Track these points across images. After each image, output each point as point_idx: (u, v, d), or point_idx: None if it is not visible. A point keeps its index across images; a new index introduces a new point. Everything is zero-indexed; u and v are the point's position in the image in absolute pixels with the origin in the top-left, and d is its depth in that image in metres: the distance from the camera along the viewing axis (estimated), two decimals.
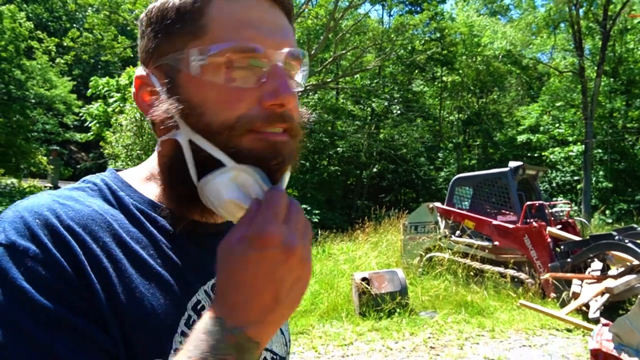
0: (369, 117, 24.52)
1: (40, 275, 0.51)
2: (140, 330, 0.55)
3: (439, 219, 8.68)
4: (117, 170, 0.70)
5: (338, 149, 22.11)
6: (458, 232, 8.31)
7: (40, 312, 0.50)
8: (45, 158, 17.22)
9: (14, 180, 13.52)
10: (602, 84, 19.52)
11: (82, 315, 0.51)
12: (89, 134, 18.45)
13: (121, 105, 14.06)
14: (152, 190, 0.66)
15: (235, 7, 0.59)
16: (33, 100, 16.54)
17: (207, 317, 0.51)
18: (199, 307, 0.61)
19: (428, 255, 8.52)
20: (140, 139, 10.70)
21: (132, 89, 0.65)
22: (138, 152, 10.58)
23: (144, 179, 0.68)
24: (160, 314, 0.57)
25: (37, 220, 0.53)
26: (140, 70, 0.64)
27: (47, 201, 0.57)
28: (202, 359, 0.48)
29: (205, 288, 0.64)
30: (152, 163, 0.69)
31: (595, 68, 18.75)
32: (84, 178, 0.66)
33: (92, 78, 19.60)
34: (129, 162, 10.62)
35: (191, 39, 0.59)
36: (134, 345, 0.54)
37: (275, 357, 0.71)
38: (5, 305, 0.49)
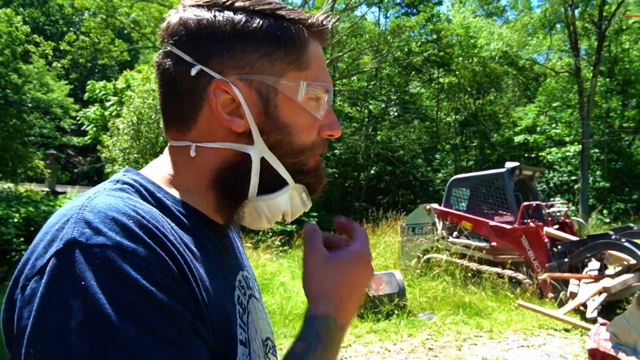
0: (366, 119, 24.54)
1: (154, 275, 0.50)
2: (220, 325, 0.59)
3: (436, 220, 8.69)
4: (137, 170, 0.70)
5: (335, 151, 22.12)
6: (455, 233, 8.32)
7: (166, 311, 0.50)
8: (42, 162, 17.18)
9: (11, 185, 13.47)
10: (598, 84, 19.61)
11: (192, 313, 0.53)
12: (86, 137, 18.43)
13: (118, 108, 14.04)
14: (178, 193, 0.67)
15: (319, 52, 0.70)
16: (30, 104, 16.51)
17: (320, 313, 0.64)
18: (239, 300, 0.68)
19: (426, 257, 8.52)
20: (137, 143, 10.69)
21: (210, 93, 0.64)
22: (135, 155, 10.57)
23: (167, 182, 0.67)
24: (227, 308, 0.62)
25: (130, 221, 0.52)
26: (204, 73, 0.64)
27: (121, 202, 0.55)
28: (325, 351, 0.61)
29: (237, 283, 0.70)
30: (167, 166, 0.69)
31: (591, 68, 18.84)
32: (112, 178, 0.65)
33: (89, 82, 19.59)
34: (126, 166, 10.61)
35: (293, 68, 0.66)
36: (218, 338, 0.58)
37: (274, 344, 0.80)
38: (134, 304, 0.48)
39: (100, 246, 0.49)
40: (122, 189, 0.61)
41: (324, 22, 0.69)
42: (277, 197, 0.66)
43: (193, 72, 0.63)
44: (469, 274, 7.74)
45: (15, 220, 9.26)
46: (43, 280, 0.48)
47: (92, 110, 17.07)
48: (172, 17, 0.66)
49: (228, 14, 0.63)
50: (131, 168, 0.68)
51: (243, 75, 0.63)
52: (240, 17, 0.63)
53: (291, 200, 0.68)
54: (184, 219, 0.63)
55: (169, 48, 0.66)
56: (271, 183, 0.66)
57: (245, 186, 0.65)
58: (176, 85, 0.65)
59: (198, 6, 0.65)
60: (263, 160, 0.65)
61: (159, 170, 0.68)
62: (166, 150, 0.70)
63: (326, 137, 0.71)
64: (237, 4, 0.64)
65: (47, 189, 16.40)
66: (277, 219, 0.70)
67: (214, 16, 0.63)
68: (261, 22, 0.64)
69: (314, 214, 16.05)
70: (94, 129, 16.62)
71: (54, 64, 19.98)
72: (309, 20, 0.67)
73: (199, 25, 0.63)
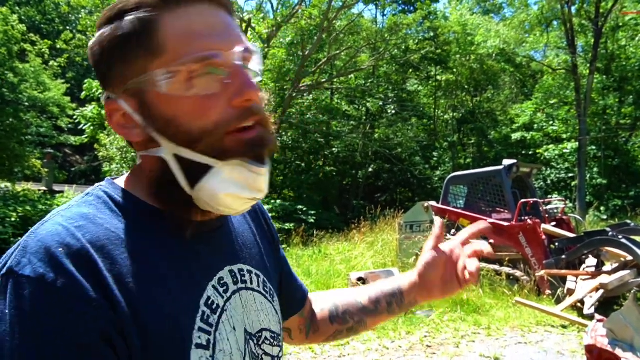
0: (364, 117, 24.54)
1: (69, 307, 0.54)
2: (161, 332, 0.60)
3: (434, 217, 8.70)
4: (114, 179, 0.72)
5: (333, 149, 22.12)
6: (453, 231, 8.33)
7: (70, 344, 0.54)
8: (39, 161, 17.14)
9: (8, 184, 13.44)
10: (595, 81, 19.64)
11: (106, 337, 0.56)
12: (83, 136, 18.37)
13: None
14: (149, 197, 0.69)
15: (185, 20, 0.62)
16: (27, 104, 16.44)
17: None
18: (209, 302, 0.67)
19: None
20: None
21: (105, 116, 0.68)
22: (133, 154, 10.56)
23: (137, 187, 0.69)
24: (178, 315, 0.62)
25: (60, 249, 0.56)
26: (105, 98, 0.67)
27: (64, 227, 0.59)
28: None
29: (213, 284, 0.69)
30: (140, 174, 0.71)
31: (588, 65, 18.86)
32: (86, 191, 0.69)
33: (85, 80, 19.50)
34: (124, 165, 10.60)
35: (151, 59, 0.62)
36: (155, 344, 0.59)
37: (274, 334, 0.79)
38: (40, 339, 0.53)
39: (27, 277, 0.54)
40: (88, 203, 0.65)
41: None
42: (205, 182, 0.63)
43: (102, 100, 0.68)
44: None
45: (13, 219, 9.25)
46: None
47: (89, 109, 17.01)
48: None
49: (95, 36, 0.66)
50: (110, 178, 0.72)
51: (121, 87, 0.64)
52: (99, 35, 0.65)
53: (231, 176, 0.63)
54: (148, 226, 0.66)
55: None
56: (196, 172, 0.63)
57: (176, 185, 0.64)
58: None
59: (100, 25, 0.67)
60: (178, 156, 0.64)
61: (132, 179, 0.71)
62: None
63: (241, 105, 0.63)
64: (102, 20, 0.65)
65: (44, 188, 16.35)
66: (228, 202, 0.65)
67: (93, 42, 0.66)
68: (107, 30, 0.64)
69: (312, 212, 16.04)
70: (91, 127, 16.57)
71: (51, 63, 19.91)
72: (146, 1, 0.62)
73: (90, 54, 0.67)
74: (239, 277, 0.74)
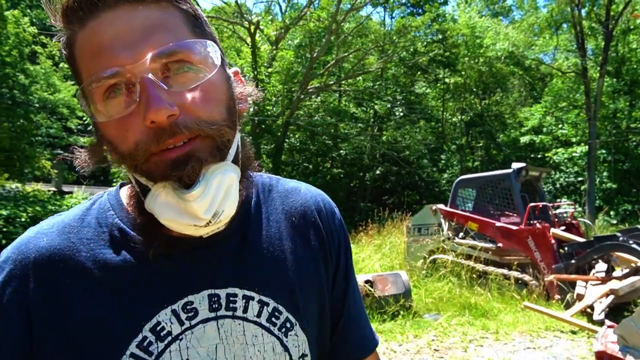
0: (372, 120, 24.52)
1: None
2: (81, 354, 0.58)
3: (442, 220, 8.66)
4: (122, 185, 0.72)
5: (341, 151, 22.12)
6: (461, 234, 8.29)
7: None
8: (49, 162, 17.29)
9: (18, 185, 13.56)
10: (605, 84, 19.48)
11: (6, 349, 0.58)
12: (92, 137, 18.52)
13: None
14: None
15: (90, 36, 0.56)
16: (37, 105, 16.61)
17: None
18: (158, 328, 0.61)
19: (431, 257, 8.50)
20: None
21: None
22: None
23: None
24: (108, 339, 0.59)
25: (12, 254, 0.63)
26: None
27: (35, 234, 0.64)
28: None
29: (173, 307, 0.62)
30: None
31: (598, 68, 18.71)
32: (99, 193, 0.72)
33: None
34: None
35: (79, 84, 0.59)
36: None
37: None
38: None
39: None
40: (82, 208, 0.68)
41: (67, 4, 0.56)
42: (147, 203, 0.58)
43: None
44: (475, 275, 7.72)
45: (23, 219, 9.33)
46: None
47: None
48: None
49: None
50: (121, 182, 0.73)
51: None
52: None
53: (167, 199, 0.56)
54: (119, 238, 0.64)
55: None
56: (144, 192, 0.59)
57: (138, 202, 0.62)
58: None
59: None
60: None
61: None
62: None
63: (149, 125, 0.54)
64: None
65: (54, 189, 16.49)
66: (174, 226, 0.58)
67: None
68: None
69: None
70: None
71: (61, 65, 20.09)
72: (58, 12, 0.57)
73: None
74: (224, 303, 0.65)
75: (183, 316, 0.62)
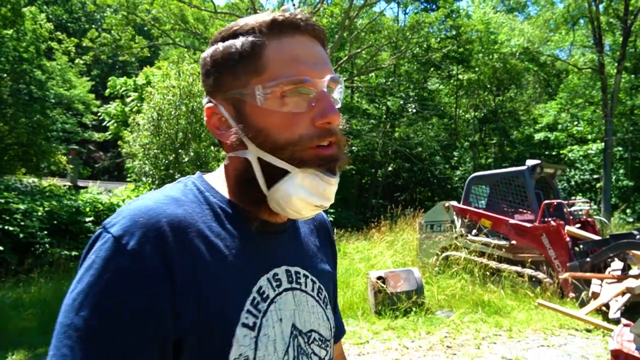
0: (384, 116, 24.43)
1: (131, 271, 0.63)
2: (215, 306, 0.68)
3: (455, 217, 8.62)
4: (204, 174, 0.85)
5: (353, 147, 22.08)
6: (474, 231, 8.25)
7: (123, 302, 0.62)
8: (64, 157, 17.52)
9: (35, 179, 13.76)
10: (623, 80, 19.15)
11: (154, 309, 0.63)
12: (107, 133, 18.74)
13: (138, 104, 14.23)
14: (227, 193, 0.80)
15: (286, 47, 0.73)
16: (53, 100, 16.84)
17: None
18: (261, 291, 0.74)
19: (444, 254, 8.47)
20: (157, 138, 10.81)
21: (205, 118, 0.79)
22: (155, 151, 10.69)
23: (222, 183, 0.81)
24: (232, 294, 0.71)
25: (141, 218, 0.66)
26: (207, 102, 0.79)
27: (151, 203, 0.70)
28: None
29: (267, 276, 0.77)
30: (221, 173, 0.83)
31: (616, 64, 18.41)
32: (178, 180, 0.82)
33: (110, 78, 19.88)
34: (146, 161, 10.74)
35: (253, 76, 0.73)
36: (209, 317, 0.67)
37: (322, 338, 0.85)
38: (94, 289, 0.62)
39: (111, 235, 0.65)
40: (178, 189, 0.77)
41: (287, 15, 0.75)
42: (281, 184, 0.73)
43: (204, 102, 0.79)
44: (488, 273, 7.67)
45: (39, 213, 9.47)
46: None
47: (113, 106, 17.35)
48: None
49: (209, 49, 0.78)
50: (200, 173, 0.84)
51: (223, 95, 0.76)
52: (213, 49, 0.77)
53: (303, 183, 0.73)
54: (221, 214, 0.76)
55: None
56: (275, 175, 0.73)
57: (255, 184, 0.75)
58: None
59: (210, 44, 0.79)
60: (261, 160, 0.74)
61: (221, 174, 0.83)
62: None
63: (322, 126, 0.73)
64: (216, 36, 0.77)
65: (69, 184, 16.72)
66: (298, 206, 0.74)
67: (206, 53, 0.78)
68: (221, 47, 0.75)
69: (331, 210, 16.05)
70: (115, 124, 16.90)
71: (76, 61, 20.30)
72: (259, 26, 0.74)
73: (202, 63, 0.79)
74: (294, 277, 0.82)
75: (274, 284, 0.77)
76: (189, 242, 0.68)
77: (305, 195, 0.73)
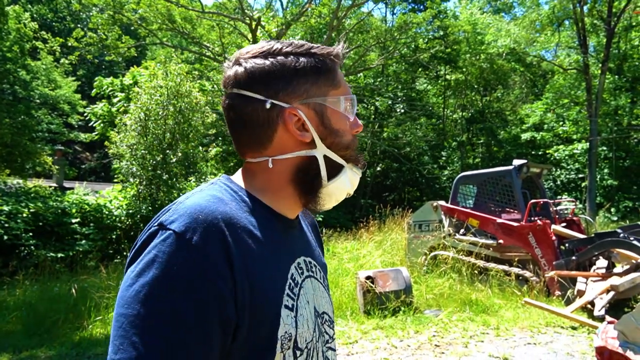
0: (373, 116, 24.49)
1: (197, 264, 0.70)
2: (263, 292, 0.77)
3: (443, 217, 8.68)
4: (229, 176, 0.95)
5: None
6: (462, 231, 8.31)
7: (189, 294, 0.69)
8: (50, 158, 17.30)
9: (20, 180, 13.57)
10: (607, 81, 19.46)
11: (220, 296, 0.71)
12: (93, 133, 18.51)
13: (125, 105, 14.08)
14: (256, 193, 0.89)
15: (339, 72, 0.94)
16: (38, 100, 16.63)
17: None
18: (293, 277, 0.86)
19: (432, 254, 8.52)
20: (145, 139, 10.73)
21: (286, 118, 0.87)
22: (142, 151, 10.61)
23: (248, 185, 0.90)
24: (275, 281, 0.81)
25: (199, 215, 0.74)
26: (271, 103, 0.86)
27: (204, 202, 0.78)
28: None
29: (294, 265, 0.89)
30: (247, 175, 0.92)
31: (600, 65, 18.69)
32: (210, 181, 0.90)
33: (96, 78, 19.63)
34: (133, 162, 10.65)
35: (332, 89, 0.90)
36: (260, 301, 0.76)
37: (330, 319, 0.99)
38: (161, 282, 0.69)
39: (173, 232, 0.72)
40: (218, 190, 0.85)
41: (340, 52, 0.94)
42: (340, 177, 0.90)
43: (267, 105, 0.85)
44: (476, 272, 7.74)
45: (24, 215, 9.34)
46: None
47: (100, 107, 17.13)
48: (233, 68, 0.88)
49: (281, 58, 0.86)
50: (225, 175, 0.93)
51: (302, 100, 0.87)
52: (291, 60, 0.87)
53: (349, 176, 0.92)
54: (256, 211, 0.86)
55: (234, 92, 0.87)
56: (335, 170, 0.90)
57: (318, 178, 0.89)
58: (252, 118, 0.86)
59: (255, 57, 0.87)
60: (325, 157, 0.89)
61: (242, 178, 0.92)
62: (244, 166, 0.94)
63: (355, 133, 0.94)
64: (284, 50, 0.87)
65: (55, 185, 16.50)
66: (342, 197, 0.93)
67: (272, 63, 0.86)
68: (305, 60, 0.88)
69: None
70: (101, 125, 16.69)
71: (62, 61, 20.08)
72: (333, 52, 0.92)
73: (263, 71, 0.86)
74: (309, 266, 0.95)
75: (299, 271, 0.89)
76: (239, 237, 0.77)
77: (347, 186, 0.92)
